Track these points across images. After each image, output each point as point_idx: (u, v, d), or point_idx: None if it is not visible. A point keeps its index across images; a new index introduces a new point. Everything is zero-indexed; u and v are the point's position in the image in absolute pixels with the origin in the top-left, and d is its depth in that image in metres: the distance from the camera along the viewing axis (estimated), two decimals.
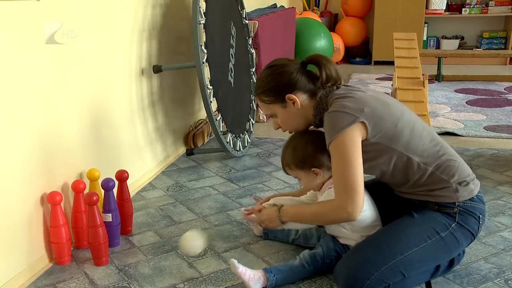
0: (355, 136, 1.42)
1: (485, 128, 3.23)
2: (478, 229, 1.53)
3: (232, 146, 2.69)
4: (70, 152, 1.86)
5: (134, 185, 2.35)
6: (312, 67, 1.60)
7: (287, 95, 1.54)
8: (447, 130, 3.18)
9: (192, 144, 2.93)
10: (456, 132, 3.14)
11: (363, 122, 1.42)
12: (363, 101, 1.47)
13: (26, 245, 1.64)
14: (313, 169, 1.59)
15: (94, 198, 1.67)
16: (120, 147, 2.22)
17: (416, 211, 1.53)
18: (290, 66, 1.57)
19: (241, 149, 2.81)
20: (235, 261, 1.51)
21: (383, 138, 1.46)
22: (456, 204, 1.50)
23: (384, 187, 1.64)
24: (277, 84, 1.56)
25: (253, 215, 1.72)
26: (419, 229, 1.48)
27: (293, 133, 1.68)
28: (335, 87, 1.55)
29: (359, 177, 1.41)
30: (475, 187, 1.53)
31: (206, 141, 3.09)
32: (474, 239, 1.55)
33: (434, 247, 1.47)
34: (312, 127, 1.63)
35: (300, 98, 1.55)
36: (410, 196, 1.55)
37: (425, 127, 1.55)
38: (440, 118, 3.49)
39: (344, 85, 1.58)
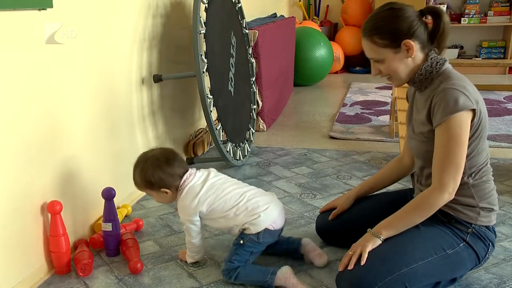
0: (468, 121, 1.41)
1: None
2: (485, 255, 1.53)
3: (232, 155, 2.69)
4: (70, 160, 1.86)
5: (134, 194, 2.35)
6: None
7: (405, 41, 1.46)
8: None
9: (192, 153, 2.94)
10: None
11: (475, 111, 1.41)
12: (477, 93, 1.46)
13: (25, 255, 1.63)
14: (162, 189, 1.67)
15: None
16: (120, 156, 2.22)
17: (427, 224, 1.50)
18: (411, 11, 1.48)
19: (241, 158, 2.81)
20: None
21: (470, 136, 1.44)
22: (472, 225, 1.50)
23: (402, 196, 1.64)
24: (397, 27, 1.46)
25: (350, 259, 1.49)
26: (426, 243, 1.47)
27: (140, 154, 1.73)
28: (447, 60, 1.52)
29: (464, 159, 1.41)
30: (494, 219, 1.54)
31: (206, 150, 3.09)
32: (479, 264, 1.54)
33: (439, 263, 1.46)
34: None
35: (415, 47, 1.47)
36: None
37: (488, 154, 1.54)
38: None
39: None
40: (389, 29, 1.47)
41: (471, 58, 5.62)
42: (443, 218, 1.52)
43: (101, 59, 2.04)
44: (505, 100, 4.31)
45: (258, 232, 1.64)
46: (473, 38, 5.90)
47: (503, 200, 2.24)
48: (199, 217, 1.68)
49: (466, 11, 5.71)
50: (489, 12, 5.64)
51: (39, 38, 1.65)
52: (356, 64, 6.04)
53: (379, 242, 1.46)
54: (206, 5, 2.57)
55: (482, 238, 1.50)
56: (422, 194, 1.46)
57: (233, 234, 1.71)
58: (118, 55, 2.20)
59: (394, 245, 1.47)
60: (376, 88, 5.03)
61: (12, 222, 1.57)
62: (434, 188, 1.43)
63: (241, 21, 3.11)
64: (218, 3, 2.75)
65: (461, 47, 5.90)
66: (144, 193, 2.41)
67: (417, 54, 1.49)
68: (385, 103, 4.30)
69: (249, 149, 2.95)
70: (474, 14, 5.68)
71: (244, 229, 1.66)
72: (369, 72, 5.91)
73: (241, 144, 2.87)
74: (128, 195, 2.31)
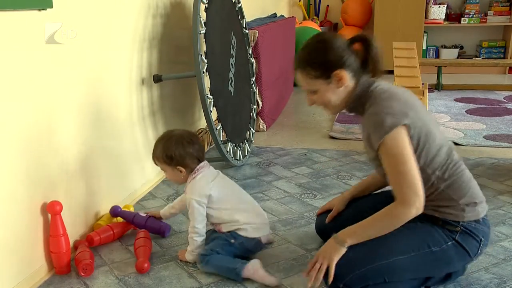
0: (404, 136, 1.40)
1: (485, 137, 3.23)
2: (478, 251, 1.52)
3: (232, 156, 2.69)
4: (70, 160, 1.86)
5: (134, 194, 2.36)
6: None
7: (335, 72, 1.48)
8: (447, 139, 3.18)
9: None
10: (456, 141, 3.14)
11: (407, 125, 1.41)
12: (408, 103, 1.46)
13: (25, 255, 1.63)
14: (178, 167, 1.72)
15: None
16: (121, 156, 2.22)
17: (417, 222, 1.50)
18: (340, 42, 1.50)
19: (241, 159, 2.81)
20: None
21: (415, 147, 1.43)
22: (460, 223, 1.49)
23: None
24: (327, 59, 1.48)
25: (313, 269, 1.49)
26: (411, 239, 1.48)
27: (165, 131, 1.80)
28: (377, 80, 1.52)
29: (416, 171, 1.40)
30: (482, 210, 1.52)
31: (206, 150, 3.09)
32: (471, 259, 1.54)
33: (421, 260, 1.47)
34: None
35: (346, 77, 1.49)
36: None
37: (448, 144, 1.53)
38: (440, 127, 3.49)
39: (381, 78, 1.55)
40: (320, 61, 1.49)
41: (471, 58, 5.63)
42: (433, 222, 1.52)
43: (101, 59, 2.04)
44: (505, 100, 4.31)
45: (253, 238, 1.72)
46: (473, 38, 5.90)
47: (503, 200, 2.24)
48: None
49: (466, 11, 5.71)
50: (489, 12, 5.64)
51: (39, 38, 1.65)
52: None
53: (344, 250, 1.45)
54: (206, 5, 2.57)
55: (472, 235, 1.49)
56: (389, 207, 1.43)
57: (220, 231, 1.76)
58: (118, 55, 2.20)
59: (380, 237, 1.48)
60: None
61: (12, 222, 1.57)
62: (399, 202, 1.41)
63: (241, 21, 3.11)
64: (218, 3, 2.75)
65: (461, 47, 5.91)
66: (144, 193, 2.41)
67: (349, 82, 1.50)
68: None
69: (249, 149, 2.96)
70: (474, 14, 5.68)
71: (239, 229, 1.71)
72: None
73: (241, 144, 2.87)
74: (128, 195, 2.31)
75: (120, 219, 2.06)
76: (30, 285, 1.64)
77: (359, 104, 1.52)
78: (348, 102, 1.54)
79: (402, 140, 1.40)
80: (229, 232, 1.73)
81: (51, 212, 1.67)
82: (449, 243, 1.48)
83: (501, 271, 1.67)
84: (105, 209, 2.11)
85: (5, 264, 1.55)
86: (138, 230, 1.95)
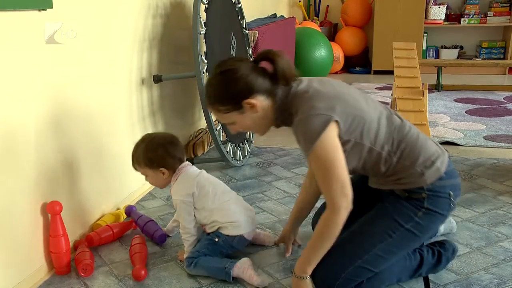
0: (333, 138, 1.37)
1: (484, 137, 3.23)
2: (450, 206, 1.49)
3: (232, 156, 2.69)
4: (70, 160, 1.86)
5: (134, 194, 2.36)
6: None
7: (245, 101, 1.44)
8: (447, 139, 3.18)
9: (192, 153, 2.94)
10: (456, 141, 3.14)
11: (336, 121, 1.38)
12: (332, 96, 1.41)
13: (25, 255, 1.63)
14: (161, 168, 1.72)
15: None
16: (120, 156, 2.22)
17: (383, 202, 1.51)
18: (243, 68, 1.44)
19: (241, 159, 2.81)
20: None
21: (354, 134, 1.42)
22: (425, 188, 1.46)
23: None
24: (233, 92, 1.44)
25: None
26: (382, 225, 1.48)
27: (145, 134, 1.78)
28: (293, 84, 1.47)
29: (345, 173, 1.38)
30: (442, 163, 1.47)
31: (206, 151, 3.09)
32: (447, 216, 1.52)
33: (399, 240, 1.47)
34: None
35: (259, 102, 1.45)
36: (380, 186, 1.54)
37: (389, 114, 1.50)
38: (440, 127, 3.50)
39: (299, 78, 1.49)
40: (226, 95, 1.45)
41: (471, 59, 5.63)
42: (399, 195, 1.50)
43: (101, 59, 2.04)
44: (505, 101, 4.32)
45: (235, 236, 1.72)
46: (473, 39, 5.90)
47: (503, 201, 2.24)
48: None
49: (466, 11, 5.71)
50: (489, 12, 5.64)
51: (39, 38, 1.65)
52: (356, 64, 6.04)
53: (308, 280, 1.46)
54: (206, 5, 2.57)
55: (439, 194, 1.46)
56: (322, 218, 1.41)
57: (204, 232, 1.78)
58: (118, 56, 2.20)
59: (353, 234, 1.50)
60: (376, 88, 5.03)
61: (12, 222, 1.57)
62: (329, 210, 1.39)
63: (241, 22, 3.11)
64: (218, 3, 2.76)
65: (461, 48, 5.91)
66: (144, 194, 2.41)
67: (264, 103, 1.46)
68: (385, 103, 4.30)
69: (249, 150, 2.96)
70: (474, 14, 5.68)
71: (220, 228, 1.72)
72: (369, 72, 5.92)
73: (241, 144, 2.87)
74: (128, 195, 2.31)
75: (120, 219, 2.07)
76: (30, 285, 1.64)
77: (286, 115, 1.47)
78: (273, 119, 1.51)
79: (330, 142, 1.37)
80: (212, 232, 1.74)
81: (51, 212, 1.67)
82: (419, 214, 1.47)
83: (501, 272, 1.67)
84: (105, 209, 2.11)
85: (5, 264, 1.55)
86: (134, 236, 1.91)
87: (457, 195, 1.51)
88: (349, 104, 1.43)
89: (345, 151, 1.41)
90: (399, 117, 1.52)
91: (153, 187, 2.50)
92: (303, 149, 1.42)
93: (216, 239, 1.71)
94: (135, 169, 1.79)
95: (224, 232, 1.72)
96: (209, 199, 1.73)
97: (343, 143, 1.41)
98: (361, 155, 1.46)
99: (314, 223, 1.91)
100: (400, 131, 1.47)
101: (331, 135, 1.37)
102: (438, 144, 1.56)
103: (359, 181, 1.58)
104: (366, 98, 1.51)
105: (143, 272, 1.68)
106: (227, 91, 1.45)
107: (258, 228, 2.02)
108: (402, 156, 1.46)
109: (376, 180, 1.54)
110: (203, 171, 1.81)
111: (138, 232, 2.02)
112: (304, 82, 1.48)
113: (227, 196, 1.78)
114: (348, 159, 1.42)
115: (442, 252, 1.64)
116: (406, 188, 1.48)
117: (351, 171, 1.49)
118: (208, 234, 1.76)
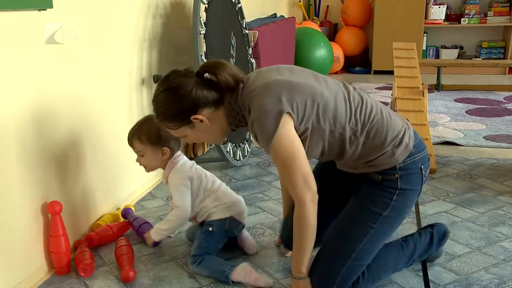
0: (288, 130, 1.36)
1: (484, 137, 3.23)
2: (422, 179, 1.50)
3: (232, 156, 2.69)
4: (70, 160, 1.86)
5: (134, 194, 2.35)
6: None
7: (192, 117, 1.43)
8: (447, 139, 3.18)
9: (192, 153, 2.94)
10: (456, 141, 3.14)
11: (288, 113, 1.35)
12: (279, 86, 1.39)
13: (25, 255, 1.63)
14: (163, 148, 1.74)
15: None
16: (121, 156, 2.22)
17: (355, 194, 1.52)
18: (187, 84, 1.41)
19: (241, 159, 2.81)
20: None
21: (310, 119, 1.39)
22: (397, 167, 1.46)
23: (328, 167, 1.62)
24: (179, 109, 1.43)
25: None
26: (361, 219, 1.48)
27: (146, 115, 1.79)
28: (240, 85, 1.45)
29: (307, 165, 1.38)
30: (409, 138, 1.47)
31: (206, 151, 3.09)
32: (420, 191, 1.52)
33: (380, 228, 1.48)
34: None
35: (207, 115, 1.44)
36: (353, 171, 1.53)
37: (341, 89, 1.47)
38: (440, 127, 3.50)
39: (246, 76, 1.48)
40: (172, 114, 1.44)
41: (471, 59, 5.63)
42: (373, 179, 1.49)
43: (101, 59, 2.04)
44: (505, 100, 4.32)
45: (225, 218, 1.75)
46: (473, 39, 5.90)
47: (503, 201, 2.24)
48: None
49: (466, 11, 5.71)
50: (489, 12, 5.64)
51: (39, 38, 1.65)
52: (356, 64, 6.04)
53: (307, 280, 1.47)
54: (206, 5, 2.57)
55: (411, 171, 1.47)
56: (294, 217, 1.42)
57: (196, 223, 1.83)
58: (118, 56, 2.20)
59: (335, 236, 1.51)
60: (376, 88, 5.03)
61: (12, 222, 1.57)
62: (297, 206, 1.40)
63: (241, 22, 3.11)
64: (218, 3, 2.76)
65: (461, 48, 5.91)
66: (144, 194, 2.41)
67: (213, 115, 1.45)
68: (385, 104, 4.30)
69: (249, 150, 2.96)
70: (474, 14, 5.68)
71: (210, 215, 1.77)
72: (369, 72, 5.92)
73: (241, 144, 2.87)
74: (128, 195, 2.31)
75: (120, 219, 2.07)
76: (30, 285, 1.64)
77: (240, 118, 1.46)
78: (226, 126, 1.50)
79: (288, 137, 1.36)
80: (203, 221, 1.79)
81: (51, 212, 1.67)
82: (394, 197, 1.47)
83: (501, 272, 1.67)
84: (105, 209, 2.11)
85: (5, 264, 1.55)
86: (119, 238, 1.89)
87: (427, 166, 1.52)
88: (299, 89, 1.39)
89: (306, 137, 1.40)
90: (360, 95, 1.49)
91: (153, 187, 2.50)
92: (263, 148, 1.42)
93: (210, 228, 1.74)
94: (132, 145, 1.78)
95: (215, 217, 1.76)
96: (202, 187, 1.79)
97: (302, 130, 1.40)
98: (324, 138, 1.43)
99: (283, 237, 1.88)
100: (362, 110, 1.45)
101: (286, 128, 1.36)
102: (401, 116, 1.56)
103: (333, 170, 1.59)
104: (319, 79, 1.46)
105: (131, 273, 1.66)
106: (172, 108, 1.43)
107: (258, 228, 2.02)
108: (369, 136, 1.44)
109: (347, 163, 1.51)
110: (194, 162, 1.85)
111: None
112: (251, 79, 1.46)
113: (217, 184, 1.84)
114: (311, 144, 1.42)
115: (433, 232, 1.66)
116: (378, 170, 1.47)
117: (319, 155, 1.48)
118: (201, 225, 1.79)
